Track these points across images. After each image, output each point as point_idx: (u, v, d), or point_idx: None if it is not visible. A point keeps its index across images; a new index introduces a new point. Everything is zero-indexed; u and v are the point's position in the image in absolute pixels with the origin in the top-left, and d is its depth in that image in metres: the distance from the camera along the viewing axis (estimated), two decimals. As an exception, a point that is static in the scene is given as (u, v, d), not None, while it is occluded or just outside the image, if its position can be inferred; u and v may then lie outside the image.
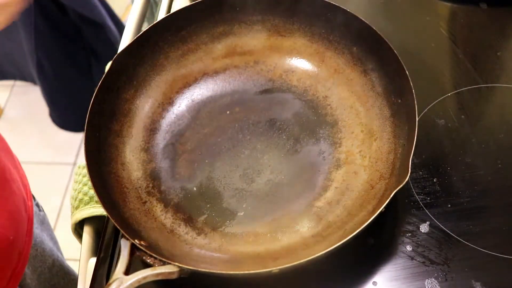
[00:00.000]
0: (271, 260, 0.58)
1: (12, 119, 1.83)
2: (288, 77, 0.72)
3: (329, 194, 0.63)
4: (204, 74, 0.73)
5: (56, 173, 1.77)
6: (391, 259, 0.59)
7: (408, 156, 0.56)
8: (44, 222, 0.77)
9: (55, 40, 1.41)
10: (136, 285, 0.51)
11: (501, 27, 0.78)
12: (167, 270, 0.52)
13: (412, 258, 0.59)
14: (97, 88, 0.63)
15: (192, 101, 0.72)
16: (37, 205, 0.75)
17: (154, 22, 0.68)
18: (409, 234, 0.60)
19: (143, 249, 0.52)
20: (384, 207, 0.53)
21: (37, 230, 0.72)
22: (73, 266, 0.72)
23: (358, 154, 0.65)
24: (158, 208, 0.63)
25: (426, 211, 0.62)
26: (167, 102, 0.71)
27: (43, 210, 0.77)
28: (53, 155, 1.79)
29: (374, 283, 0.58)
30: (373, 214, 0.52)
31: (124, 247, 0.53)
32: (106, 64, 0.69)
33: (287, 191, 0.64)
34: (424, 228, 0.61)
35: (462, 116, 0.69)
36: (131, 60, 0.68)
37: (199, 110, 0.71)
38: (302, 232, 0.61)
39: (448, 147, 0.67)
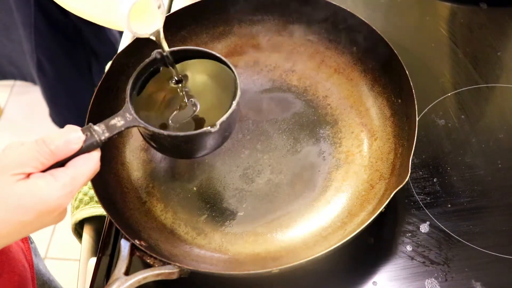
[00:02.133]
0: (271, 260, 0.58)
1: (12, 119, 1.82)
2: (288, 77, 0.72)
3: (329, 194, 0.63)
4: (204, 74, 0.73)
5: (56, 173, 1.76)
6: (391, 259, 0.59)
7: (408, 156, 0.56)
8: (36, 253, 0.76)
9: (55, 40, 1.41)
10: (136, 285, 0.51)
11: (501, 27, 0.78)
12: (167, 270, 0.52)
13: (412, 258, 0.59)
14: (97, 88, 0.63)
15: (192, 101, 0.71)
16: (29, 237, 0.74)
17: (154, 22, 0.68)
18: (409, 234, 0.60)
19: (143, 249, 0.52)
20: (384, 207, 0.53)
21: (34, 266, 0.71)
22: (73, 266, 0.72)
23: (358, 154, 0.65)
24: (158, 208, 0.63)
25: (426, 211, 0.62)
26: (167, 102, 0.71)
27: (33, 241, 0.76)
28: (53, 155, 1.79)
29: (374, 283, 0.58)
30: (373, 214, 0.52)
31: (124, 247, 0.53)
32: (106, 64, 0.68)
33: (287, 191, 0.64)
34: (424, 228, 0.61)
35: (462, 116, 0.69)
36: (131, 60, 0.67)
37: (199, 110, 0.71)
38: (302, 232, 0.61)
39: (448, 147, 0.67)
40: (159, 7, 0.52)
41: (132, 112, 0.50)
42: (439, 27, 0.79)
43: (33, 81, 1.75)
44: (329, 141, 0.67)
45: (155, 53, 0.55)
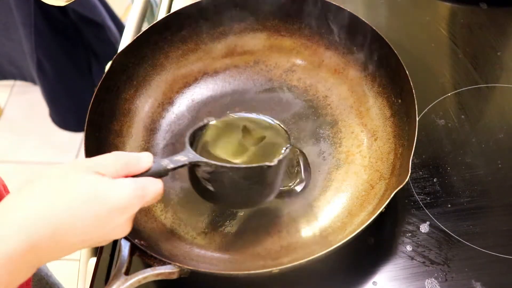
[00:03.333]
0: (271, 260, 0.58)
1: (12, 119, 1.82)
2: (288, 77, 0.72)
3: (329, 194, 0.63)
4: (204, 74, 0.73)
5: (56, 173, 1.76)
6: (391, 259, 0.59)
7: (408, 156, 0.56)
8: None
9: (55, 40, 1.41)
10: (137, 285, 0.51)
11: (501, 27, 0.78)
12: (167, 270, 0.52)
13: (412, 258, 0.59)
14: (97, 88, 0.63)
15: (192, 101, 0.72)
16: None
17: (154, 22, 0.68)
18: (409, 234, 0.60)
19: (144, 249, 0.52)
20: (384, 207, 0.53)
21: None
22: (73, 266, 0.72)
23: (358, 154, 0.65)
24: (158, 208, 0.63)
25: (426, 211, 0.62)
26: (167, 102, 0.71)
27: None
28: (53, 155, 1.78)
29: (374, 283, 0.58)
30: (373, 214, 0.52)
31: (125, 247, 0.53)
32: (106, 64, 0.69)
33: (287, 190, 0.64)
34: (424, 228, 0.61)
35: (462, 116, 0.69)
36: (131, 60, 0.68)
37: (199, 110, 0.71)
38: (302, 232, 0.61)
39: (448, 147, 0.67)
40: None
41: (193, 152, 0.54)
42: (439, 27, 0.79)
43: (33, 81, 1.75)
44: (329, 141, 0.67)
45: (206, 120, 0.59)
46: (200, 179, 0.55)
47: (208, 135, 0.58)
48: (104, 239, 0.47)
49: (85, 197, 0.43)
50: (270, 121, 0.60)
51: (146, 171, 0.49)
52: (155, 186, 0.48)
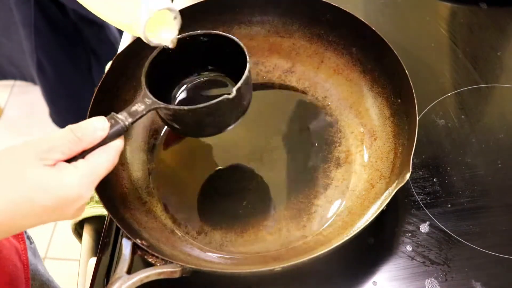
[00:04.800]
0: (271, 259, 0.58)
1: (12, 119, 1.82)
2: (288, 78, 0.72)
3: (329, 193, 0.63)
4: (204, 74, 0.73)
5: (56, 173, 1.76)
6: (391, 259, 0.59)
7: (408, 155, 0.56)
8: (35, 253, 0.76)
9: (55, 40, 1.41)
10: (139, 284, 0.51)
11: (501, 27, 0.78)
12: (169, 269, 0.52)
13: (412, 258, 0.59)
14: (97, 89, 0.63)
15: (192, 101, 0.72)
16: (28, 237, 0.74)
17: (155, 22, 0.68)
18: (409, 234, 0.60)
19: (145, 248, 0.52)
20: (385, 206, 0.53)
21: (31, 266, 0.71)
22: (73, 266, 0.72)
23: (358, 154, 0.65)
24: (158, 208, 0.63)
25: (426, 211, 0.62)
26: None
27: (33, 242, 0.77)
28: (53, 155, 1.79)
29: (374, 283, 0.58)
30: (374, 214, 0.52)
31: (126, 246, 0.53)
32: (106, 64, 0.69)
33: (287, 190, 0.64)
34: (424, 228, 0.61)
35: (462, 116, 0.70)
36: (131, 60, 0.68)
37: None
38: (303, 231, 0.61)
39: (448, 147, 0.67)
40: (175, 18, 0.54)
41: (151, 96, 0.52)
42: (439, 27, 0.79)
43: (33, 81, 1.75)
44: (329, 141, 0.67)
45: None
46: (165, 119, 0.55)
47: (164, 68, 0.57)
48: (52, 221, 0.46)
49: (34, 187, 0.42)
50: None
51: (105, 139, 0.47)
52: (106, 163, 0.47)
